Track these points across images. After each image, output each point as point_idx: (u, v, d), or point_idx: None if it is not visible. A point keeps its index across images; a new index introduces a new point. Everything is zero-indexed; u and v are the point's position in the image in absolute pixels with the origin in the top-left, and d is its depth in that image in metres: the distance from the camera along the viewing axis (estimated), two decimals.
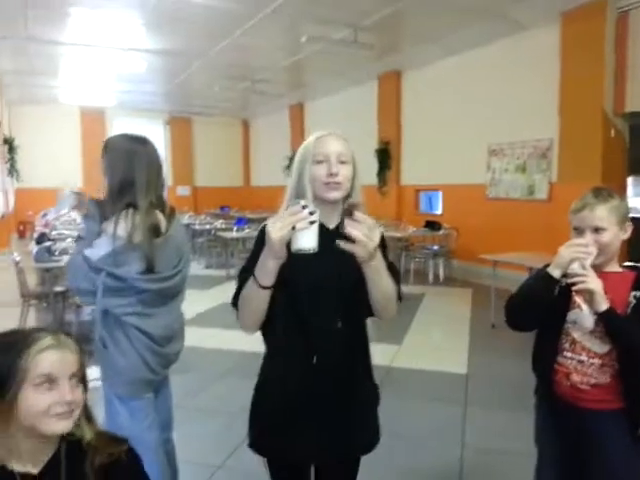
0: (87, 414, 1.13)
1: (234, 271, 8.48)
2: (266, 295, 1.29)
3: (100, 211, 1.89)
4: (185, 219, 11.30)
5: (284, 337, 1.40)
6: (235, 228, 9.07)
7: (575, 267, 1.49)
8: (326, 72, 10.40)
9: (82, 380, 1.09)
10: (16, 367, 1.01)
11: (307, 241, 1.16)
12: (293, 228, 1.15)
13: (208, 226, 10.43)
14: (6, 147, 12.19)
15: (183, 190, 16.44)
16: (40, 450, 1.06)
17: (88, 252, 1.81)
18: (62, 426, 1.04)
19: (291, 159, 13.61)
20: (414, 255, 8.48)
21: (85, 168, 14.62)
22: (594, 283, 1.46)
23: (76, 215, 10.55)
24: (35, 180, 13.58)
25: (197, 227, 10.26)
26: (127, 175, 1.84)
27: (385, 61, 9.45)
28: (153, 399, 1.98)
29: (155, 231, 1.86)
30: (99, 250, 1.80)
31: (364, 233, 1.16)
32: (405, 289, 6.43)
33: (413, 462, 2.84)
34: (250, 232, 8.86)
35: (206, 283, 7.80)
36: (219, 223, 10.64)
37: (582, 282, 1.47)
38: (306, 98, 13.26)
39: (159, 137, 16.05)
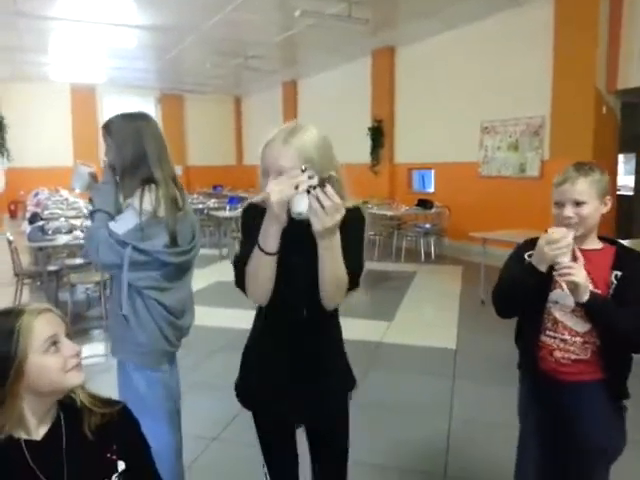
0: None
1: (227, 250, 8.51)
2: (272, 261, 1.30)
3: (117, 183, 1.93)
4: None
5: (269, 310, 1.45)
6: (228, 207, 9.08)
7: (562, 261, 1.49)
8: (319, 48, 10.28)
9: (70, 337, 1.15)
10: (14, 343, 1.05)
11: (307, 205, 1.18)
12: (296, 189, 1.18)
13: (201, 205, 10.43)
14: None
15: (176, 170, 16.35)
16: (43, 418, 1.12)
17: (113, 226, 1.83)
18: (80, 378, 1.12)
19: None
20: (406, 233, 8.53)
21: (75, 146, 14.48)
22: (580, 276, 1.48)
23: (67, 194, 10.52)
24: (26, 159, 13.46)
25: None
26: (138, 151, 1.87)
27: (379, 36, 9.35)
28: (169, 371, 2.04)
29: (175, 205, 1.90)
30: (125, 224, 1.83)
31: (326, 205, 1.17)
32: (397, 267, 6.51)
33: (402, 433, 2.93)
34: None
35: (200, 262, 7.76)
36: (212, 202, 10.64)
37: (568, 274, 1.48)
38: (299, 75, 13.14)
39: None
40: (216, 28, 8.65)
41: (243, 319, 1.67)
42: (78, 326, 4.61)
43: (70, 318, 4.11)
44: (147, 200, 1.83)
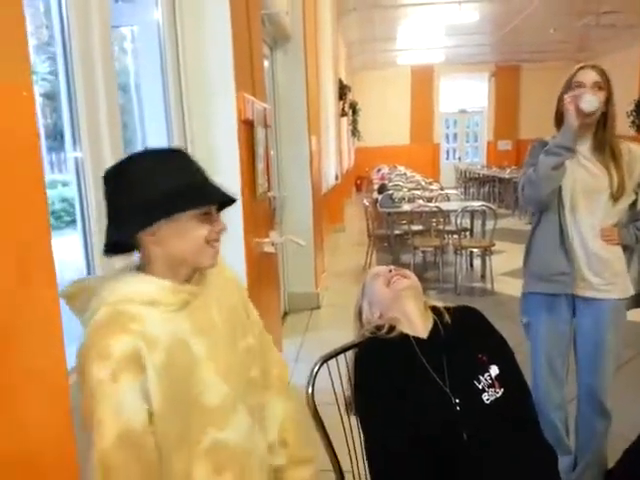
0: None
1: None
2: None
3: None
4: (506, 173, 11.05)
5: None
6: None
7: None
8: None
9: None
10: None
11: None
12: None
13: None
14: (350, 110, 13.94)
15: (504, 145, 15.90)
16: (426, 322, 1.36)
17: None
18: None
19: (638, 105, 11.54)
20: None
21: (412, 126, 15.57)
22: None
23: (405, 169, 11.49)
24: (369, 139, 15.17)
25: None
26: None
27: None
28: None
29: None
30: None
31: None
32: None
33: None
34: None
35: None
36: None
37: None
38: None
39: (483, 90, 15.81)
40: None
41: None
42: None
43: None
44: None
